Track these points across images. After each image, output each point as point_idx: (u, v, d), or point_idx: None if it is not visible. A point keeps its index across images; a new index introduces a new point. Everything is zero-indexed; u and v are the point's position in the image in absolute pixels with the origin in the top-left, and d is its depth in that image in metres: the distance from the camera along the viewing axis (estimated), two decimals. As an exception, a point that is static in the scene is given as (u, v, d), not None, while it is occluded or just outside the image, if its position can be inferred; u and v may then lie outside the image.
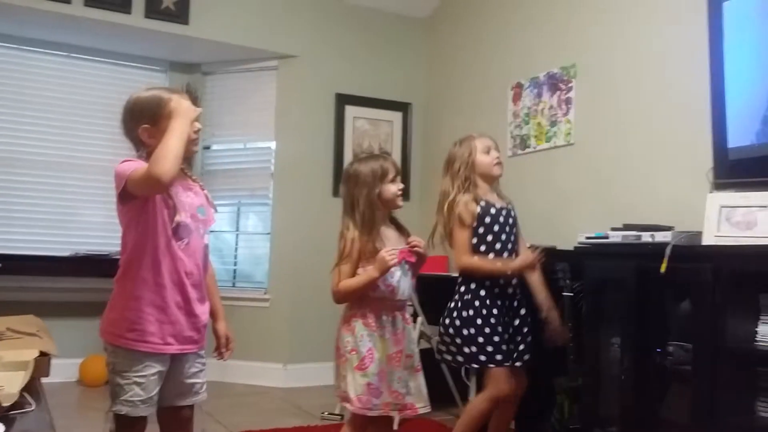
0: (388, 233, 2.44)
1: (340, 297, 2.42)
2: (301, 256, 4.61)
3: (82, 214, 4.70)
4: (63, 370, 4.15)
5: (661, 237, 2.57)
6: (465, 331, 2.70)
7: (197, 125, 2.08)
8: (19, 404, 1.42)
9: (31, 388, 1.56)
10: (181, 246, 2.04)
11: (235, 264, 5.02)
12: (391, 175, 2.43)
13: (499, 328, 2.70)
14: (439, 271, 4.11)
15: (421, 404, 2.43)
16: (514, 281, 2.80)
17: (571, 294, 2.98)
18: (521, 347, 2.78)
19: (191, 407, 2.15)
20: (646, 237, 2.63)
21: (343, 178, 2.52)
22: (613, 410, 2.70)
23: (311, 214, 4.68)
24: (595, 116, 3.59)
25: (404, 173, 5.09)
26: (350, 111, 4.99)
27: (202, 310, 2.12)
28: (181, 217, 2.04)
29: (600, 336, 2.79)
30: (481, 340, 2.67)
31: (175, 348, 2.05)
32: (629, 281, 2.63)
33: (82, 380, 4.42)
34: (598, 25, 3.60)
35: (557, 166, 3.82)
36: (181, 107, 1.97)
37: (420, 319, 3.58)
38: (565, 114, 3.77)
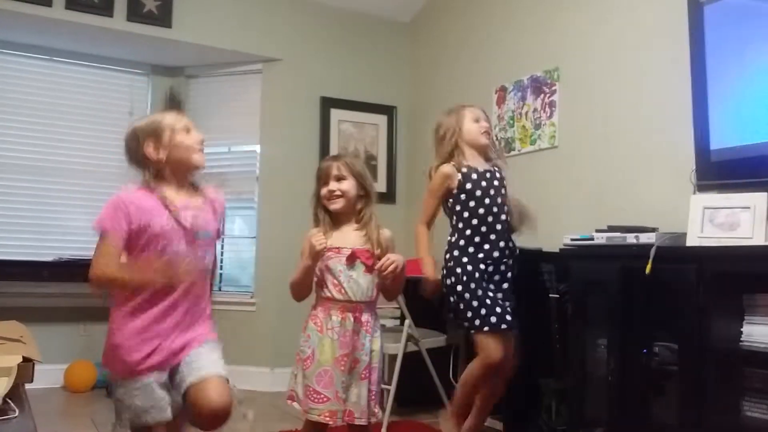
0: (349, 232, 2.43)
1: (291, 292, 2.43)
2: (287, 259, 4.57)
3: (65, 218, 4.66)
4: (47, 376, 4.11)
5: (645, 238, 2.59)
6: (451, 298, 2.83)
7: (199, 135, 2.19)
8: (2, 411, 1.40)
9: (15, 394, 1.55)
10: None
11: (221, 268, 4.99)
12: (324, 178, 2.47)
13: (479, 292, 2.78)
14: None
15: (357, 415, 2.33)
16: (502, 244, 2.88)
17: (558, 296, 3.00)
18: (508, 310, 2.82)
19: (218, 378, 2.11)
20: (630, 238, 2.65)
21: None
22: (600, 411, 2.71)
23: (297, 218, 4.60)
24: (579, 119, 3.61)
25: (389, 177, 5.13)
26: (335, 114, 4.99)
27: (200, 332, 2.16)
28: (175, 246, 2.08)
29: (586, 337, 2.80)
30: (461, 306, 2.78)
31: (156, 360, 2.08)
32: (614, 282, 2.64)
33: (67, 386, 4.38)
34: (580, 29, 3.62)
35: (542, 169, 3.83)
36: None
37: (407, 321, 3.57)
38: (549, 117, 3.79)
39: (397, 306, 3.75)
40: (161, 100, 4.82)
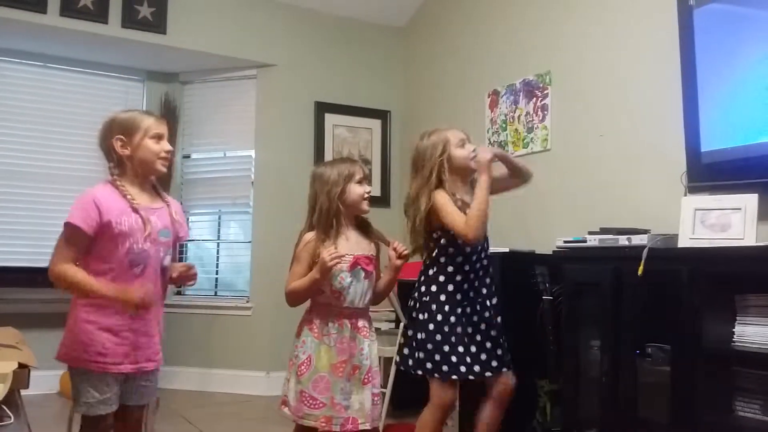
0: (351, 237, 2.40)
1: (288, 299, 2.38)
2: (282, 263, 4.58)
3: (60, 225, 4.63)
4: (43, 382, 4.10)
5: (637, 240, 2.61)
6: (419, 335, 2.51)
7: (168, 146, 2.18)
8: (-2, 417, 1.41)
9: (10, 400, 1.55)
10: (137, 272, 2.10)
11: (217, 273, 5.01)
12: (357, 177, 2.39)
13: (453, 338, 2.47)
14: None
15: (362, 420, 2.31)
16: (484, 291, 2.60)
17: (551, 297, 3.01)
18: (498, 352, 2.56)
19: (141, 408, 2.24)
20: (623, 240, 2.67)
21: (310, 179, 2.49)
22: (593, 412, 2.73)
23: (292, 222, 4.63)
24: (571, 122, 3.63)
25: (383, 180, 5.14)
26: (330, 119, 5.00)
27: (157, 331, 2.19)
28: (139, 244, 2.11)
29: (579, 339, 2.81)
30: (429, 346, 2.47)
31: (130, 368, 2.11)
32: (607, 284, 2.65)
33: (63, 392, 4.37)
34: (572, 33, 3.65)
35: (535, 172, 3.83)
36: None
37: (402, 324, 3.58)
38: (542, 120, 3.81)
39: (392, 309, 3.76)
40: (156, 105, 4.84)
